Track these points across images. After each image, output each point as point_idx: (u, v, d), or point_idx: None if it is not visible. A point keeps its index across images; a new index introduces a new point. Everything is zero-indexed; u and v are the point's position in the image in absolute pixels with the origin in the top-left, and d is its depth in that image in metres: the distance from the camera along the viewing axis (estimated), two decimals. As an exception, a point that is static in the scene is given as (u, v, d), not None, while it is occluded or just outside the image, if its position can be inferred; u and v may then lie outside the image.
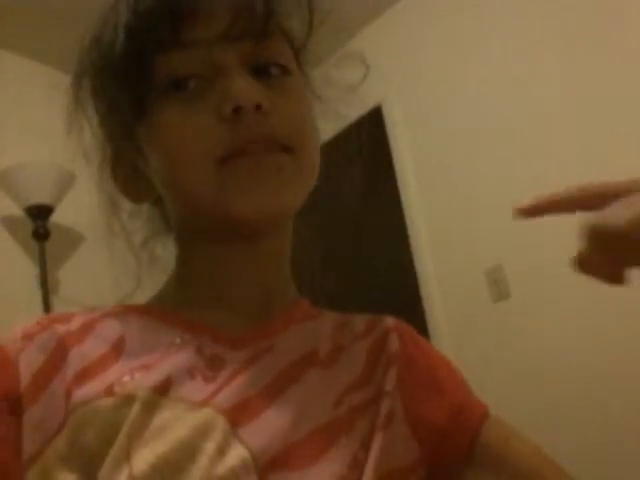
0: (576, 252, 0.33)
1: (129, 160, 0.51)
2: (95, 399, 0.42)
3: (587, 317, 1.85)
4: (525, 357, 1.97)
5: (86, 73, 0.51)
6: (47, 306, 2.09)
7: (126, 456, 0.39)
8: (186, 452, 0.40)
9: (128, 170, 0.52)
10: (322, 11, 0.50)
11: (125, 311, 0.50)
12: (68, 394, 0.42)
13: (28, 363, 0.44)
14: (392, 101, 2.47)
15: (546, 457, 0.50)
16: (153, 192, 0.51)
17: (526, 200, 0.35)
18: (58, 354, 0.45)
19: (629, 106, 1.86)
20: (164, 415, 0.41)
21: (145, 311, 0.50)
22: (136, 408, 0.41)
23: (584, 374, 1.83)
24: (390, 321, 0.56)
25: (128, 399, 0.41)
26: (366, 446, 0.45)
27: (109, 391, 0.42)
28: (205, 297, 0.51)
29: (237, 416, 0.43)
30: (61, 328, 0.47)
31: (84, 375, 0.44)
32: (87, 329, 0.47)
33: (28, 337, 0.45)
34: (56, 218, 2.18)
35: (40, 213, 2.12)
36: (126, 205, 0.55)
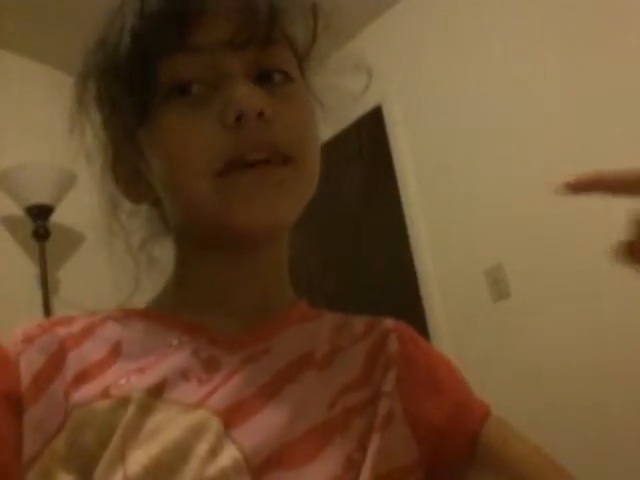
0: (618, 241, 0.32)
1: (130, 162, 0.51)
2: (92, 401, 0.42)
3: (587, 317, 1.85)
4: (525, 357, 1.97)
5: (91, 75, 0.51)
6: (47, 306, 2.09)
7: (121, 457, 0.39)
8: (178, 453, 0.40)
9: (129, 171, 0.52)
10: (326, 17, 0.50)
11: (125, 315, 0.50)
12: (67, 395, 0.43)
13: (29, 364, 0.44)
14: (392, 101, 2.47)
15: (546, 457, 0.50)
16: (153, 194, 0.51)
17: (571, 175, 0.34)
18: (58, 356, 0.45)
19: (629, 106, 1.86)
20: (158, 417, 0.42)
21: (144, 314, 0.51)
22: (131, 410, 0.41)
23: (584, 374, 1.83)
24: (389, 322, 0.56)
25: (123, 401, 0.42)
26: (363, 446, 0.45)
27: (105, 393, 0.42)
28: (204, 301, 0.51)
29: (231, 417, 0.43)
30: (62, 330, 0.47)
31: (82, 377, 0.44)
32: (87, 332, 0.48)
33: (29, 339, 0.46)
34: (56, 218, 2.18)
35: (40, 213, 2.12)
36: (126, 205, 0.55)
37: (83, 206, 0.61)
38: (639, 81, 1.85)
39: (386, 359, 0.52)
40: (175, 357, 0.46)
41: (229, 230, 0.46)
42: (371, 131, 2.33)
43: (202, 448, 0.40)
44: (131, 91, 0.46)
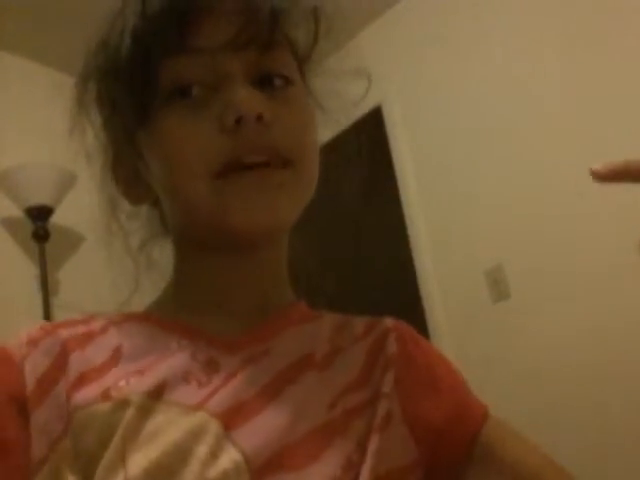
0: None
1: (130, 163, 0.51)
2: (92, 403, 0.42)
3: (587, 317, 1.85)
4: (525, 357, 1.97)
5: (91, 76, 0.51)
6: (47, 307, 2.09)
7: (121, 459, 0.40)
8: (178, 456, 0.40)
9: (129, 172, 0.52)
10: (327, 20, 0.50)
11: (126, 319, 0.50)
12: (68, 397, 0.43)
13: (33, 368, 0.44)
14: (392, 101, 2.47)
15: (546, 457, 0.50)
16: (153, 195, 0.52)
17: (602, 163, 0.33)
18: (62, 358, 0.45)
19: (629, 106, 1.86)
20: (158, 419, 0.42)
21: (144, 318, 0.51)
22: (130, 412, 0.41)
23: (584, 374, 1.83)
24: (389, 322, 0.56)
25: (123, 403, 0.42)
26: (362, 447, 0.45)
27: (106, 395, 0.43)
28: (204, 303, 0.51)
29: (231, 419, 0.43)
30: (64, 332, 0.47)
31: (84, 379, 0.44)
32: (89, 336, 0.48)
33: (33, 342, 0.46)
34: (56, 219, 2.18)
35: (40, 214, 2.12)
36: (126, 206, 0.55)
37: (83, 207, 0.61)
38: (639, 81, 1.85)
39: (385, 359, 0.52)
40: (174, 359, 0.46)
41: (226, 232, 0.46)
42: (371, 131, 2.33)
43: (202, 450, 0.40)
44: (131, 92, 0.47)
